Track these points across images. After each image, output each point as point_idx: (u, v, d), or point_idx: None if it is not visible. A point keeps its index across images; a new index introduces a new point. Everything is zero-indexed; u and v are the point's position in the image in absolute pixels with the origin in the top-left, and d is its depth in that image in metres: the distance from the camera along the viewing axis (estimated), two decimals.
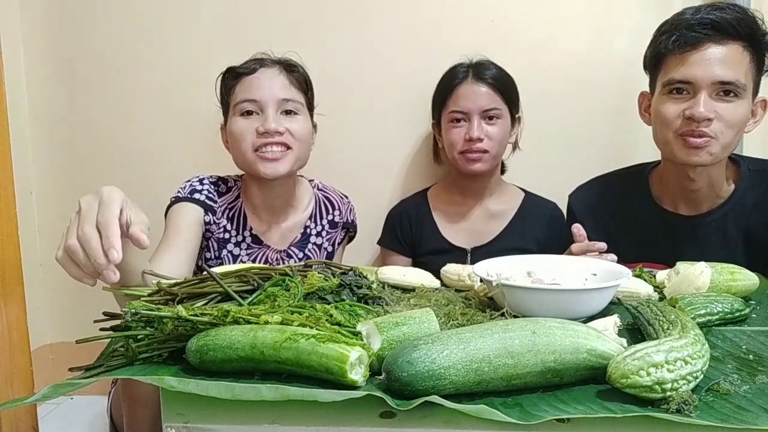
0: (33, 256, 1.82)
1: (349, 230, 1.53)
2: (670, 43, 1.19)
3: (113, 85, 1.78)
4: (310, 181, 1.49)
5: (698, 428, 0.58)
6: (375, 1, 1.70)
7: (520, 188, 1.63)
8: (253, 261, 1.38)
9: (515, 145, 1.61)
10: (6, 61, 1.38)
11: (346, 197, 1.52)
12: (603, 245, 1.11)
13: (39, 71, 1.80)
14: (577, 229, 1.15)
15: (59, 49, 1.78)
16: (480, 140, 1.45)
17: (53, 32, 1.78)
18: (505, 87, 1.49)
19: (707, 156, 1.18)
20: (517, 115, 1.55)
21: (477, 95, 1.47)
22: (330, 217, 1.45)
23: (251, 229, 1.38)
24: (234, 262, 1.36)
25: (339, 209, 1.47)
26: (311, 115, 1.39)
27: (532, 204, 1.59)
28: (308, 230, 1.43)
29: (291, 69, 1.34)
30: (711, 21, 1.16)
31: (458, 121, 1.49)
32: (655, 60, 1.25)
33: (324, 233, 1.45)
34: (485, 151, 1.47)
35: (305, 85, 1.37)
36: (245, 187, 1.39)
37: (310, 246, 1.43)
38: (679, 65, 1.18)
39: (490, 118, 1.47)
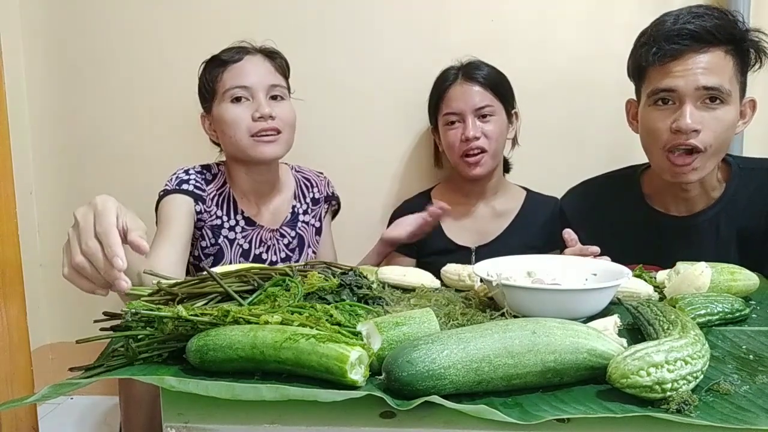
0: (33, 256, 1.83)
1: (332, 202, 1.57)
2: (651, 55, 1.18)
3: (113, 85, 1.78)
4: (285, 164, 1.53)
5: (698, 428, 0.58)
6: (375, 1, 1.70)
7: (522, 187, 1.63)
8: (249, 242, 1.42)
9: (514, 141, 1.62)
10: (6, 61, 1.38)
11: (321, 173, 1.57)
12: (596, 249, 1.10)
13: (39, 71, 1.80)
14: (568, 234, 1.15)
15: (59, 49, 1.79)
16: (476, 138, 1.46)
17: (53, 32, 1.78)
18: (496, 84, 1.49)
19: (694, 174, 1.18)
20: (513, 111, 1.55)
21: (468, 95, 1.47)
22: (311, 195, 1.52)
23: (242, 212, 1.41)
24: (231, 247, 1.40)
25: (317, 186, 1.53)
26: None
27: (535, 201, 1.59)
28: (296, 209, 1.48)
29: (273, 56, 1.39)
30: (690, 31, 1.14)
31: (453, 123, 1.50)
32: (637, 71, 1.25)
33: (309, 211, 1.50)
34: (483, 151, 1.47)
35: (287, 71, 1.42)
36: (231, 173, 1.41)
37: (299, 224, 1.48)
38: (662, 76, 1.18)
39: (484, 116, 1.48)
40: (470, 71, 1.50)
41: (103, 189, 1.94)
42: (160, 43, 1.75)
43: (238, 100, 1.31)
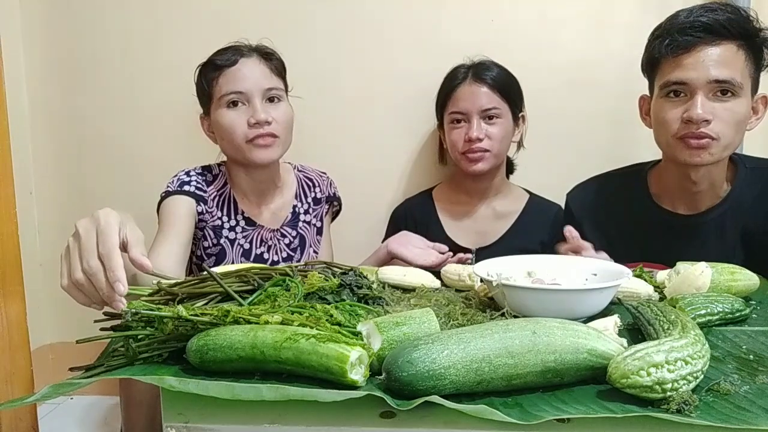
0: (33, 256, 1.82)
1: (333, 203, 1.57)
2: (664, 47, 1.19)
3: (113, 85, 1.78)
4: (289, 163, 1.53)
5: (698, 428, 0.58)
6: (376, 1, 1.70)
7: (525, 189, 1.63)
8: (250, 242, 1.42)
9: (520, 144, 1.61)
10: (6, 61, 1.38)
11: (324, 173, 1.57)
12: (588, 245, 1.12)
13: (39, 71, 1.80)
14: (569, 232, 1.16)
15: (59, 49, 1.78)
16: (480, 140, 1.46)
17: (53, 32, 1.78)
18: (505, 86, 1.49)
19: (708, 156, 1.18)
20: (520, 114, 1.55)
21: (475, 96, 1.47)
22: (313, 195, 1.52)
23: (242, 212, 1.42)
24: (232, 247, 1.41)
25: (319, 186, 1.53)
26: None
27: (537, 205, 1.59)
28: (296, 209, 1.48)
29: (269, 57, 1.38)
30: (703, 24, 1.16)
31: (458, 122, 1.50)
32: (650, 64, 1.26)
33: (311, 210, 1.51)
34: (486, 150, 1.47)
35: (283, 71, 1.41)
36: (231, 174, 1.42)
37: (300, 224, 1.49)
38: (674, 68, 1.19)
39: (490, 117, 1.47)
40: (480, 72, 1.49)
41: (103, 189, 1.95)
42: (160, 43, 1.75)
43: (233, 104, 1.31)
